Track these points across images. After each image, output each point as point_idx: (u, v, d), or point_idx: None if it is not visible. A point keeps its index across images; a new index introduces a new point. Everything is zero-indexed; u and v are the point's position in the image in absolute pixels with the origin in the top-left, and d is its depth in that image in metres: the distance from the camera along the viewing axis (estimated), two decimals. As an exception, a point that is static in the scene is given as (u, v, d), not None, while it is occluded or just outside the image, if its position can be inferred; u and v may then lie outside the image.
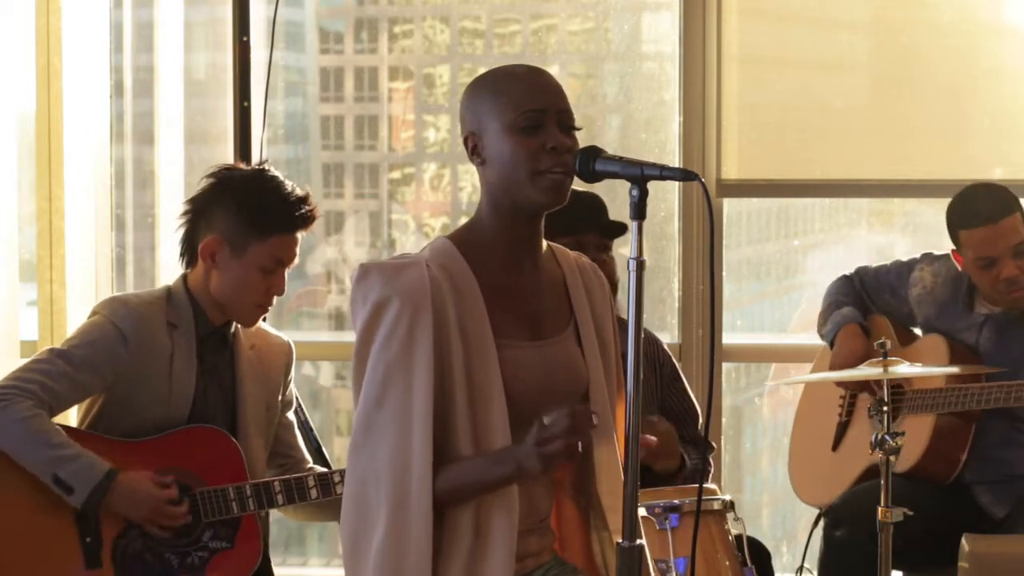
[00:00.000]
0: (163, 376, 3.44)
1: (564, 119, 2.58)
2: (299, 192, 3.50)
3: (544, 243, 2.69)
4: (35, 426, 3.31)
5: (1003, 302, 3.94)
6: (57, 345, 3.53)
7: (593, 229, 3.56)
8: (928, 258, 4.15)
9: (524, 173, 2.55)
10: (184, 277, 3.53)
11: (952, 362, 3.92)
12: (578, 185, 2.61)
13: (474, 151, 2.61)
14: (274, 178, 3.51)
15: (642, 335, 2.45)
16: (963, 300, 4.00)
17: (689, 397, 3.84)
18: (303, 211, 3.48)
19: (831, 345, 4.15)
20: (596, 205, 3.64)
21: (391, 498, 2.53)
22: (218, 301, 3.49)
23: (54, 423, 3.36)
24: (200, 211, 3.49)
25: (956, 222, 3.95)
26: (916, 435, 3.89)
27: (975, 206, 3.91)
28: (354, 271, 2.61)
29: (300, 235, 3.51)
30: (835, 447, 4.21)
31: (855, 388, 4.15)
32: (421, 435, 2.51)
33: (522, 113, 2.55)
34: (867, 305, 4.20)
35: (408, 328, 2.52)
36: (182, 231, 3.52)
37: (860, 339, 4.08)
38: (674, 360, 3.88)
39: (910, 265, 4.16)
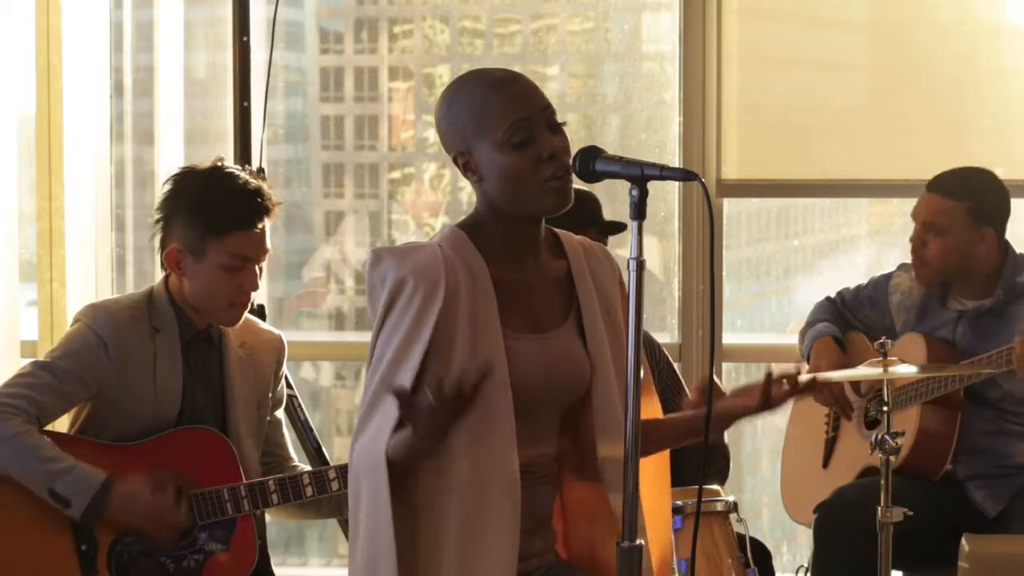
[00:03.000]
0: (147, 381, 3.43)
1: (549, 118, 2.57)
2: (252, 185, 3.45)
3: (546, 231, 2.68)
4: (27, 442, 3.30)
5: (915, 272, 4.05)
6: (43, 355, 3.52)
7: (591, 227, 3.56)
8: (904, 266, 4.20)
9: (528, 185, 2.55)
10: (166, 280, 3.51)
11: (929, 358, 3.94)
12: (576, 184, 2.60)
13: (467, 168, 2.60)
14: (226, 176, 3.46)
15: (642, 334, 2.46)
16: (937, 296, 4.04)
17: (681, 381, 3.85)
18: (255, 204, 3.43)
19: (808, 360, 4.18)
20: (592, 203, 3.63)
21: (371, 486, 2.53)
22: (193, 306, 3.48)
23: (45, 437, 3.35)
24: (163, 219, 3.48)
25: None
26: (901, 430, 3.90)
27: (944, 174, 4.04)
28: (358, 266, 2.61)
29: (263, 227, 3.45)
30: (825, 464, 4.23)
31: (835, 407, 4.17)
32: (388, 423, 2.51)
33: (509, 127, 2.54)
34: (849, 322, 4.22)
35: (420, 306, 2.52)
36: (156, 239, 3.50)
37: (834, 352, 4.12)
38: (671, 361, 3.89)
39: (888, 276, 4.22)
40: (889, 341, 3.61)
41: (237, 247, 3.42)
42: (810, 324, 4.24)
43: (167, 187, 3.50)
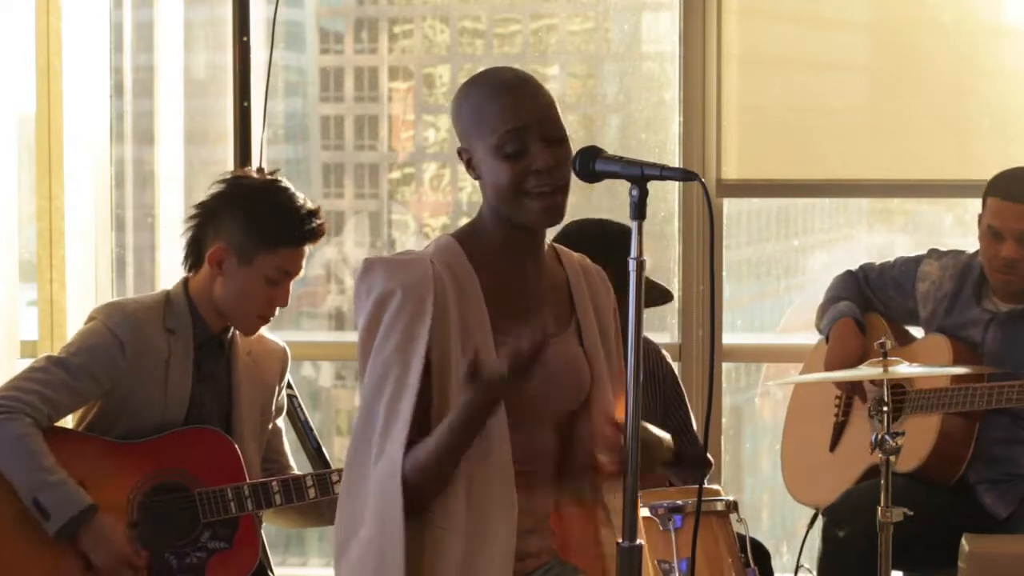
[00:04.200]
0: (159, 381, 3.44)
1: (548, 131, 2.55)
2: (309, 206, 3.50)
3: (547, 243, 2.69)
4: (27, 446, 3.31)
5: (995, 281, 3.95)
6: (55, 350, 3.52)
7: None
8: (935, 253, 4.14)
9: (511, 195, 2.54)
10: (185, 282, 3.52)
11: (955, 362, 3.92)
12: (588, 199, 2.60)
13: (469, 164, 2.61)
14: (286, 190, 3.51)
15: (642, 341, 2.45)
16: (972, 290, 4.01)
17: (689, 414, 3.84)
18: (312, 225, 3.48)
19: (827, 339, 4.15)
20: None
21: (378, 498, 2.53)
22: (219, 308, 3.49)
23: (45, 444, 3.34)
24: (209, 217, 3.49)
25: (992, 186, 3.98)
26: (921, 436, 3.88)
27: (1014, 181, 3.95)
28: (357, 266, 2.61)
29: (307, 248, 3.51)
30: (833, 447, 4.21)
31: (850, 391, 4.15)
32: (400, 436, 2.51)
33: (503, 135, 2.53)
34: (869, 301, 4.18)
35: (408, 322, 2.52)
36: (189, 235, 3.52)
37: (855, 337, 4.09)
38: (675, 373, 3.88)
39: (917, 260, 4.15)
40: (888, 342, 3.59)
41: (285, 262, 3.47)
42: (830, 300, 4.20)
43: (217, 186, 3.52)
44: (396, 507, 2.51)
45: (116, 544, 3.36)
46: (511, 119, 2.54)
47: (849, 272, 4.24)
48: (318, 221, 3.49)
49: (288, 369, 3.69)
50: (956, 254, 4.10)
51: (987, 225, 3.94)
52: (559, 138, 2.56)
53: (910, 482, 3.76)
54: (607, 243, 3.29)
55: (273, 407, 3.64)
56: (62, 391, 3.37)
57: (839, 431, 4.20)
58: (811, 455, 4.24)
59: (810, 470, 4.24)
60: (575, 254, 2.76)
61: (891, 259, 4.23)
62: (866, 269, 4.23)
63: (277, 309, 3.53)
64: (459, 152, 2.62)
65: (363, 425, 2.56)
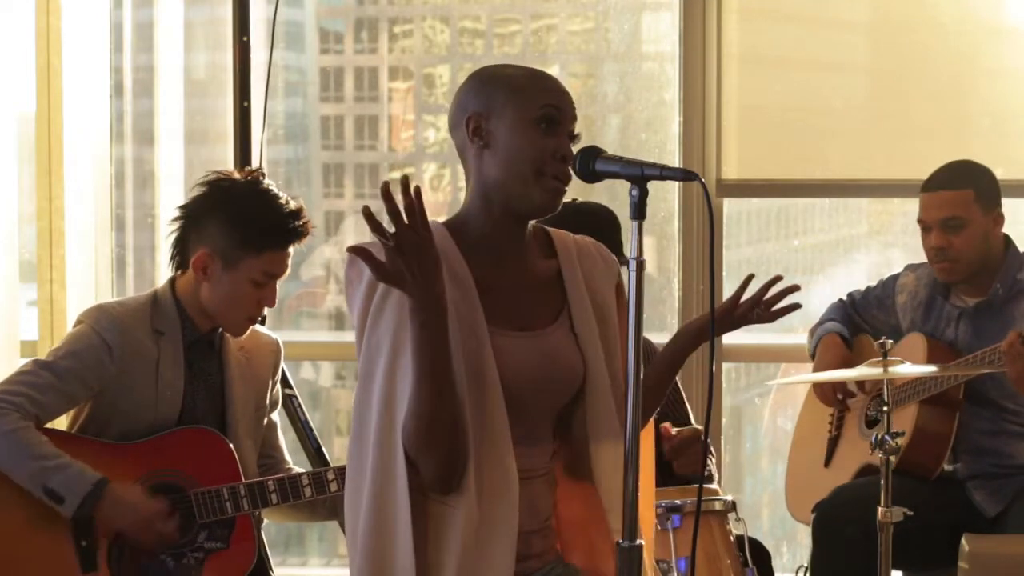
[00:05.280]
0: (150, 383, 3.44)
1: (573, 127, 2.60)
2: (293, 206, 3.48)
3: (538, 229, 2.68)
4: (23, 438, 3.31)
5: (937, 274, 4.02)
6: (44, 354, 3.52)
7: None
8: (910, 267, 4.22)
9: (529, 168, 2.55)
10: (172, 282, 3.51)
11: (929, 357, 3.96)
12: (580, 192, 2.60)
13: (476, 132, 2.59)
14: (267, 191, 3.48)
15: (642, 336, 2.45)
16: (940, 293, 4.05)
17: (688, 414, 3.84)
18: (296, 226, 3.46)
19: (813, 357, 4.19)
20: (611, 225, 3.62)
21: (376, 479, 2.52)
22: (207, 311, 3.48)
23: (42, 435, 3.35)
24: (192, 220, 3.48)
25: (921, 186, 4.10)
26: (899, 428, 3.91)
27: (935, 173, 4.04)
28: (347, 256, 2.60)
29: (292, 248, 3.50)
30: (827, 463, 4.24)
31: (839, 397, 4.18)
32: (402, 402, 2.49)
33: (546, 106, 2.56)
34: (858, 325, 4.24)
35: (401, 299, 2.51)
36: (173, 237, 3.51)
37: (840, 347, 4.16)
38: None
39: (895, 277, 4.25)
40: (890, 341, 3.61)
41: (270, 265, 3.45)
42: (820, 323, 4.27)
43: (200, 189, 3.50)
44: (400, 475, 2.49)
45: (137, 505, 3.37)
46: (554, 98, 2.58)
47: (839, 300, 4.32)
48: (302, 221, 3.47)
49: (281, 362, 3.68)
50: (928, 264, 4.15)
51: (917, 221, 4.04)
52: (575, 135, 2.61)
53: (899, 480, 3.77)
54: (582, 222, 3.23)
55: (267, 401, 3.63)
56: (49, 393, 3.37)
57: (832, 446, 4.25)
58: (808, 474, 4.28)
59: (808, 489, 4.26)
60: (571, 236, 2.74)
61: (872, 283, 4.29)
62: (852, 295, 4.32)
63: (265, 309, 3.53)
64: (467, 120, 2.60)
65: (361, 404, 2.55)
